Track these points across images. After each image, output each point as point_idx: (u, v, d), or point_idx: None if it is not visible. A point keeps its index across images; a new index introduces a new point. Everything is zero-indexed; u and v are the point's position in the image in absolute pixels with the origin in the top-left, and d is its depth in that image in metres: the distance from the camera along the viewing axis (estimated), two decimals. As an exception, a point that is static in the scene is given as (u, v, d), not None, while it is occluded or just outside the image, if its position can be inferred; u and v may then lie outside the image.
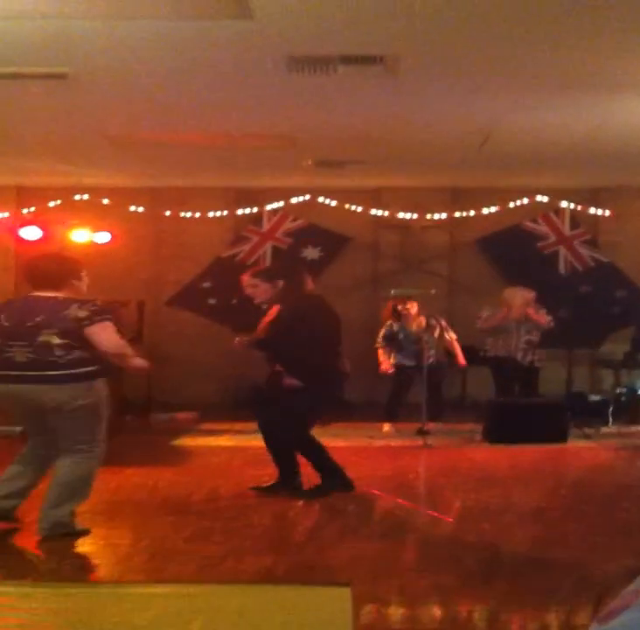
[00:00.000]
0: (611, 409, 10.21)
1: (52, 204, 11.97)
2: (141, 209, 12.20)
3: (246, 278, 6.72)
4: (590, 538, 5.52)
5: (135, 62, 6.49)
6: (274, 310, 6.64)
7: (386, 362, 10.08)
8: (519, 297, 10.08)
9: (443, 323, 10.13)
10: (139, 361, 5.65)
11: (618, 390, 10.62)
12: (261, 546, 5.26)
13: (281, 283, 6.59)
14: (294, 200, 12.10)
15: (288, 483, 6.61)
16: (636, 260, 12.20)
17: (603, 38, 5.91)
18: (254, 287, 6.64)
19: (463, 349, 10.27)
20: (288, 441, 6.62)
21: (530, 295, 10.08)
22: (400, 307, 9.96)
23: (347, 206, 12.09)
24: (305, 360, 6.49)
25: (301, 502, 6.33)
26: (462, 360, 10.18)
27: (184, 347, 12.45)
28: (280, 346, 6.62)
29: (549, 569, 4.80)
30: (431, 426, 9.60)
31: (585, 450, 8.97)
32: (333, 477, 6.66)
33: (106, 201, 12.04)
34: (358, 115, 8.20)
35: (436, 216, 12.14)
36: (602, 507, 6.44)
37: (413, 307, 9.95)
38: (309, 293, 6.74)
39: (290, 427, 6.55)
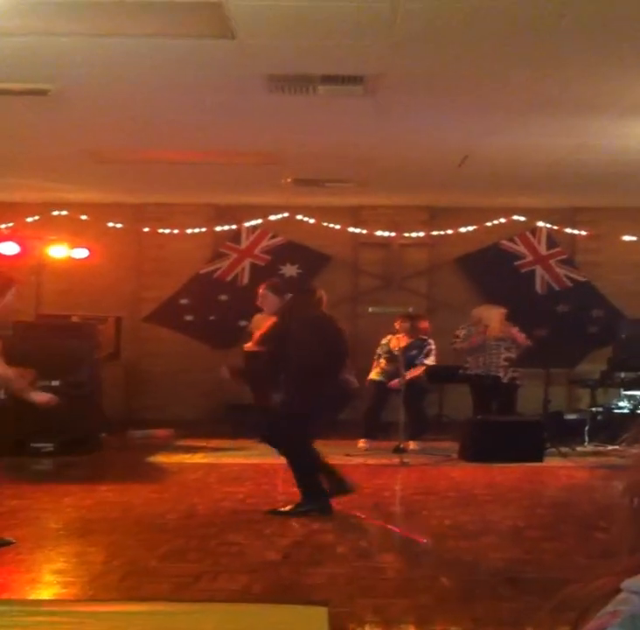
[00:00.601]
0: (587, 428, 10.24)
1: (30, 219, 11.93)
2: (120, 225, 12.18)
3: (260, 289, 6.90)
4: (568, 558, 5.52)
5: (117, 80, 6.49)
6: (270, 321, 6.74)
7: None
8: (496, 315, 10.14)
9: (431, 346, 10.08)
10: (37, 396, 5.49)
11: (594, 409, 10.66)
12: (237, 565, 5.22)
13: (288, 296, 6.74)
14: (272, 218, 12.12)
15: (338, 489, 6.59)
16: (614, 280, 12.30)
17: (581, 61, 5.97)
18: (264, 298, 6.82)
19: (442, 367, 10.23)
20: (297, 447, 6.59)
21: (503, 311, 10.18)
22: (396, 324, 10.03)
23: (326, 223, 12.13)
24: (300, 377, 6.55)
25: (277, 521, 6.31)
26: (394, 382, 9.64)
27: (162, 364, 12.41)
28: (267, 359, 6.72)
29: (526, 589, 4.80)
30: (410, 445, 9.60)
31: (561, 469, 8.99)
32: (315, 499, 6.57)
33: (84, 217, 12.01)
34: (337, 135, 8.24)
35: (414, 234, 12.21)
36: (580, 526, 6.44)
37: (398, 325, 9.98)
38: (314, 312, 6.80)
39: (291, 431, 6.54)
